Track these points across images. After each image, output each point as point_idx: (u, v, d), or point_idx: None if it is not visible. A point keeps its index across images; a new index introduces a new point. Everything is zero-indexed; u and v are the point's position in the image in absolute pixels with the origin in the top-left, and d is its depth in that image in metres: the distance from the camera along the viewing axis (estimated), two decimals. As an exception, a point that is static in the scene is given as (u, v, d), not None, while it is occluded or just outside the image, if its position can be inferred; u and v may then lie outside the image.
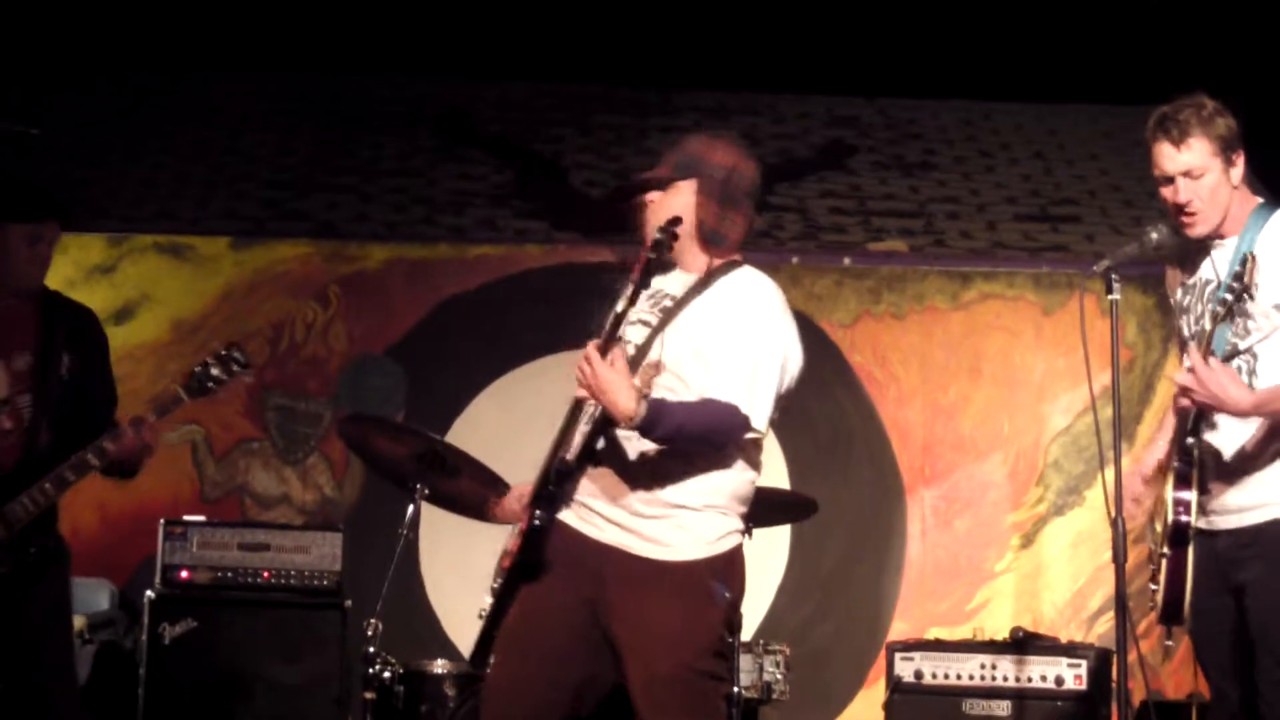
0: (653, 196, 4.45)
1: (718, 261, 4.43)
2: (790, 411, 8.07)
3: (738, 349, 4.30)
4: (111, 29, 9.87)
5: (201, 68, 10.14)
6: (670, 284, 4.45)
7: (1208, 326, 4.33)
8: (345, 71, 10.26)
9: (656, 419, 4.18)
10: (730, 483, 4.39)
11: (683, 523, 4.33)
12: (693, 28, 10.33)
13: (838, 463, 8.15)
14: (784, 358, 4.38)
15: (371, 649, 5.89)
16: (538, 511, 4.32)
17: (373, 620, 5.86)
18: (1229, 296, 4.26)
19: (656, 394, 4.24)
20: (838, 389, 8.19)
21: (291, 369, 8.02)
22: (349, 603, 6.66)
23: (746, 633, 6.17)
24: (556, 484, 4.35)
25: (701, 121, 10.01)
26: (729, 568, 4.38)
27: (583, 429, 4.33)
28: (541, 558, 4.36)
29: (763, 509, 6.16)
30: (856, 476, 8.15)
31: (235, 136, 9.59)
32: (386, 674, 5.91)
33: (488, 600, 4.46)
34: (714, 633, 4.35)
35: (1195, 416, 4.41)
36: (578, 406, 4.33)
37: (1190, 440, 4.44)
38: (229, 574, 6.69)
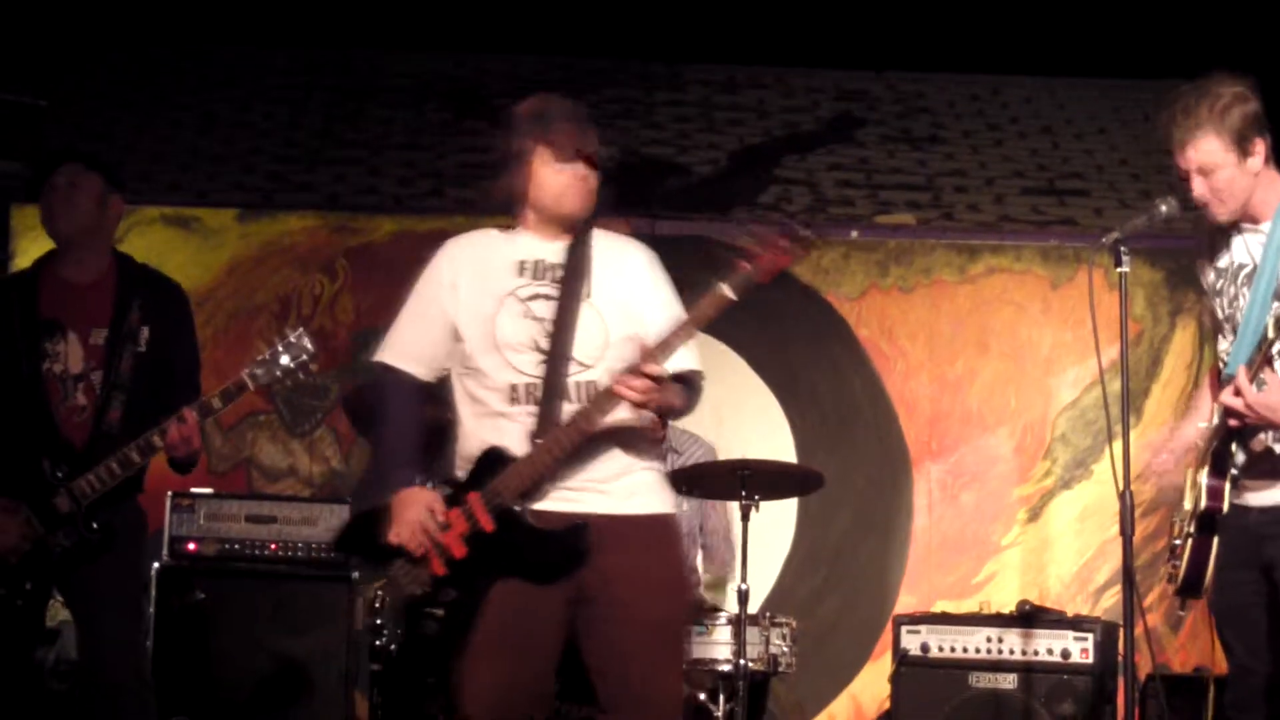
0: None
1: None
2: (797, 385, 8.04)
3: (672, 307, 4.38)
4: (120, 2, 9.87)
5: (210, 41, 10.13)
6: (537, 250, 4.60)
7: (1256, 344, 4.21)
8: (354, 45, 10.25)
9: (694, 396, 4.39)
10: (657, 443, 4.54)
11: (647, 481, 4.36)
12: (701, 1, 10.32)
13: (844, 436, 8.15)
14: None
15: (378, 621, 5.89)
16: (523, 507, 4.24)
17: (379, 592, 5.87)
18: None
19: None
20: (844, 363, 8.19)
21: (299, 342, 8.00)
22: (356, 575, 6.66)
23: (753, 605, 6.17)
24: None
25: (710, 96, 10.00)
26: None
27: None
28: (516, 551, 4.23)
29: (769, 482, 6.20)
30: (863, 450, 8.14)
31: (243, 109, 9.58)
32: (393, 646, 5.92)
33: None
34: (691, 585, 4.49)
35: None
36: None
37: (1232, 439, 4.38)
38: (236, 546, 6.70)
